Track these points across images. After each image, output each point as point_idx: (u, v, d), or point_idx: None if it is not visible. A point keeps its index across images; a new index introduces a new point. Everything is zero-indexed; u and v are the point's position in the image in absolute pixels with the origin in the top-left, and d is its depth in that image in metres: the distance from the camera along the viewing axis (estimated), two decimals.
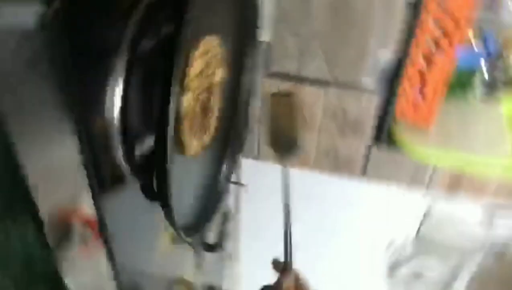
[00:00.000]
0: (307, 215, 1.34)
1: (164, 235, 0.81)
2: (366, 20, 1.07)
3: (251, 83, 0.78)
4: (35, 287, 0.47)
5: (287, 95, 0.79)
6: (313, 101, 1.21)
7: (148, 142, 0.56)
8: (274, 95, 0.78)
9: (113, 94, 0.46)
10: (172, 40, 0.42)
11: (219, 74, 0.60)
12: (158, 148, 0.44)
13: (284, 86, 1.20)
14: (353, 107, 1.20)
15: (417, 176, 1.26)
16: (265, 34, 1.11)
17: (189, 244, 0.84)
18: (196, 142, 0.56)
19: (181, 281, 0.90)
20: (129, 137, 0.51)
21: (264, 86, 1.19)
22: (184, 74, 0.47)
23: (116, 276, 0.57)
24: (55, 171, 0.45)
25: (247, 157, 1.30)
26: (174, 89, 0.42)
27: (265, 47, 1.11)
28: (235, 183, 1.21)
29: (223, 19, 0.61)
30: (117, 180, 0.54)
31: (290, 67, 1.17)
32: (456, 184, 1.26)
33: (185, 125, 0.52)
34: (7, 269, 0.48)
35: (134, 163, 0.53)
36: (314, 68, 1.16)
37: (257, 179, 1.25)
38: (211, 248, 0.91)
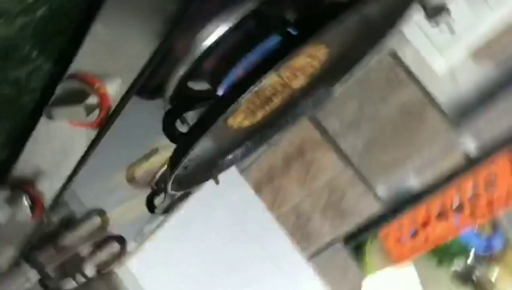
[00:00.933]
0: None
1: (131, 169, 0.78)
2: (425, 143, 1.07)
3: (304, 114, 0.76)
4: None
5: None
6: (326, 167, 1.20)
7: (203, 88, 0.54)
8: None
9: (214, 30, 0.43)
10: (309, 23, 0.40)
11: (300, 82, 0.58)
12: (211, 110, 0.42)
13: (314, 135, 1.18)
14: (352, 198, 1.19)
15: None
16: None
17: (162, 192, 0.81)
18: (238, 121, 0.54)
19: (102, 214, 0.87)
20: (193, 74, 0.48)
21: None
22: (286, 62, 0.45)
23: (79, 165, 0.54)
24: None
25: None
26: (271, 71, 0.39)
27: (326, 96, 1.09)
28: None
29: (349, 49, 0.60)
30: (152, 93, 0.51)
31: (332, 125, 1.16)
32: None
33: (243, 106, 0.50)
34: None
35: (178, 95, 0.50)
36: (349, 143, 1.15)
37: None
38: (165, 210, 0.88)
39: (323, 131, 1.17)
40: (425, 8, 0.81)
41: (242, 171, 1.34)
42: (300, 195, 1.25)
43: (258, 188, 1.31)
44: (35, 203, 0.55)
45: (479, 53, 0.94)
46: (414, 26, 0.94)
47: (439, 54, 0.93)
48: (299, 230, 1.29)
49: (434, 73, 0.98)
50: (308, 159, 1.20)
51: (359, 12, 0.46)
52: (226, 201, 1.40)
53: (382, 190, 1.16)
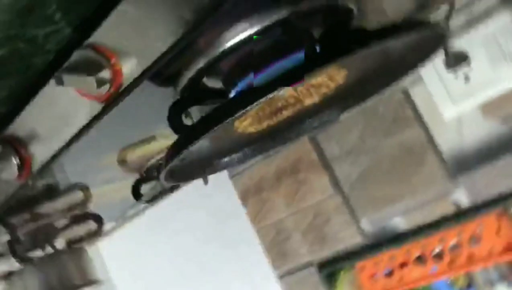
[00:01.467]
0: None
1: (124, 151, 0.77)
2: (419, 186, 1.07)
3: (307, 132, 0.76)
4: None
5: None
6: (316, 189, 1.19)
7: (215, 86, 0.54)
8: None
9: (242, 31, 0.43)
10: (335, 44, 0.40)
11: (311, 100, 0.58)
12: (223, 108, 0.41)
13: (311, 156, 1.18)
14: (336, 226, 1.19)
15: None
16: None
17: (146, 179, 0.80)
18: (244, 124, 0.53)
19: (85, 190, 0.86)
20: (210, 71, 0.48)
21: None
22: (309, 76, 0.45)
23: (76, 136, 0.53)
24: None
25: None
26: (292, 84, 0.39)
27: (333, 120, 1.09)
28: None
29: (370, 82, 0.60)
30: (165, 80, 0.51)
31: (331, 149, 1.15)
32: None
33: (253, 111, 0.49)
34: None
35: (190, 87, 0.50)
36: (344, 171, 1.15)
37: None
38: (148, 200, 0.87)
39: (321, 153, 1.17)
40: (447, 53, 0.81)
41: (232, 177, 1.33)
42: (285, 211, 1.24)
43: (244, 197, 1.30)
44: (23, 164, 0.54)
45: (489, 108, 0.94)
46: (431, 68, 0.94)
47: (450, 101, 0.93)
48: (276, 246, 1.28)
49: (441, 119, 0.99)
50: (300, 177, 1.19)
51: (388, 43, 0.46)
52: (210, 203, 1.39)
53: (367, 223, 1.15)
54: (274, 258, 1.29)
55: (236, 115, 0.39)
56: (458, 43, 0.86)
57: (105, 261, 1.47)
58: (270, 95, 0.37)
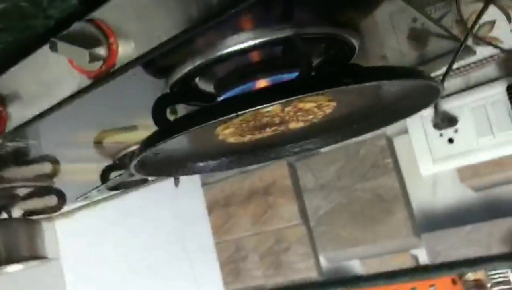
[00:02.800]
0: None
1: (102, 134, 0.76)
2: (384, 234, 1.07)
3: (286, 156, 0.76)
4: None
5: None
6: (283, 216, 1.19)
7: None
8: None
9: (245, 39, 0.43)
10: (331, 73, 0.41)
11: (296, 125, 0.58)
12: (208, 109, 0.42)
13: (285, 182, 1.18)
14: (295, 256, 1.18)
15: None
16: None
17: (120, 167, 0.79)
18: (226, 132, 0.53)
19: (55, 163, 0.85)
20: (204, 72, 0.48)
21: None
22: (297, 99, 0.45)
23: (57, 106, 0.53)
24: None
25: None
26: (281, 101, 0.39)
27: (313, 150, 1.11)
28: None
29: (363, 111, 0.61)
30: (157, 71, 0.51)
31: (306, 179, 1.16)
32: None
33: (238, 120, 0.49)
34: None
35: (181, 84, 0.50)
36: (314, 203, 1.15)
37: None
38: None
39: (296, 181, 1.17)
40: (436, 111, 0.83)
41: (204, 184, 1.32)
42: (248, 230, 1.24)
43: (211, 207, 1.30)
44: None
45: (466, 174, 0.96)
46: (418, 121, 0.95)
47: (431, 158, 0.94)
48: (232, 263, 1.27)
49: (418, 174, 1.00)
50: (270, 200, 1.20)
51: (381, 84, 0.47)
52: (176, 206, 1.38)
53: (325, 260, 1.16)
54: (227, 274, 1.28)
55: (218, 120, 0.39)
56: (450, 105, 0.88)
57: (59, 241, 1.44)
58: (254, 108, 0.37)
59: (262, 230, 1.22)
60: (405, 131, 1.00)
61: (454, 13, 0.74)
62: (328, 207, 1.13)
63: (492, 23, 0.80)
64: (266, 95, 0.37)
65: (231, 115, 0.38)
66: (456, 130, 0.89)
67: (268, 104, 0.37)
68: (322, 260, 1.16)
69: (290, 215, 1.18)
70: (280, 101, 0.38)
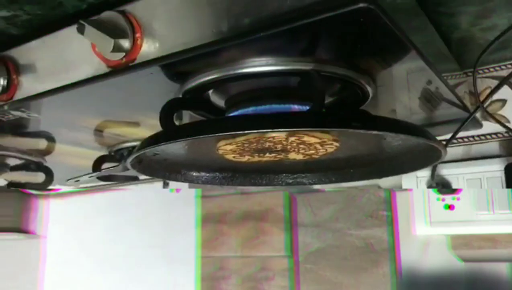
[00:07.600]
0: None
1: (104, 123, 0.76)
2: (366, 284, 1.07)
3: (280, 185, 0.77)
4: None
5: None
6: (273, 245, 1.19)
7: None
8: None
9: (266, 63, 0.44)
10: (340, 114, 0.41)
11: (297, 156, 0.59)
12: (215, 122, 0.42)
13: (281, 212, 1.18)
14: (275, 287, 1.17)
15: None
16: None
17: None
18: (226, 148, 0.54)
19: (50, 141, 0.85)
20: (219, 86, 0.49)
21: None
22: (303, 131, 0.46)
23: (69, 87, 0.53)
24: None
25: None
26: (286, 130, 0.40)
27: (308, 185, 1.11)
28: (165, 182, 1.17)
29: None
30: (174, 75, 0.51)
31: (303, 214, 1.16)
32: None
33: (241, 139, 0.50)
34: None
35: (194, 92, 0.50)
36: (306, 240, 1.15)
37: None
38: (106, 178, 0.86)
39: (292, 213, 1.17)
40: (433, 174, 0.84)
41: (203, 196, 1.31)
42: (235, 252, 1.22)
43: (204, 221, 1.28)
44: (8, 88, 0.54)
45: (459, 243, 0.96)
46: (414, 179, 0.95)
47: (428, 220, 0.94)
48: (211, 281, 1.25)
49: (410, 231, 1.00)
50: (263, 227, 1.19)
51: (386, 135, 0.47)
52: (167, 212, 1.37)
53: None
54: None
55: (224, 134, 0.39)
56: (446, 171, 0.88)
57: (49, 220, 1.43)
58: (263, 131, 0.38)
59: (249, 254, 1.21)
60: (405, 189, 1.00)
61: (469, 84, 0.75)
62: (320, 245, 1.12)
63: (504, 101, 0.81)
64: (276, 121, 0.37)
65: (238, 132, 0.38)
66: (455, 199, 0.90)
67: (275, 130, 0.38)
68: None
69: (279, 245, 1.17)
70: (287, 130, 0.38)
